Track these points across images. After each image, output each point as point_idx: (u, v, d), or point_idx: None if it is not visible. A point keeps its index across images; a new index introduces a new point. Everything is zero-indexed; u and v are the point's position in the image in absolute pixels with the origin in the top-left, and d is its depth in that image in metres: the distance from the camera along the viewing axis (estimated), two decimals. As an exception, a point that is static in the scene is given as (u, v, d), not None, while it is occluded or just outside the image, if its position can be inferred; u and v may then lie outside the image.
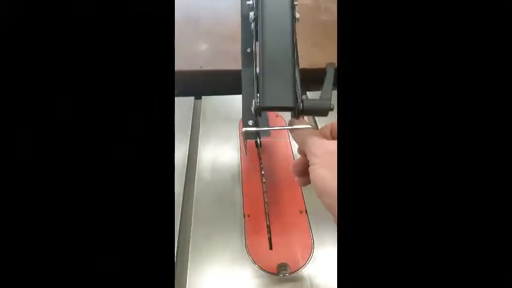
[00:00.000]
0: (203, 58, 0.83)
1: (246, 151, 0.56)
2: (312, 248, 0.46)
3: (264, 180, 0.55)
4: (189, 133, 0.63)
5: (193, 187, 0.54)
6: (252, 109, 0.35)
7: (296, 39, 0.38)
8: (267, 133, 0.64)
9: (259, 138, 0.63)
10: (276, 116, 0.67)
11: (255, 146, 0.62)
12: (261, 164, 0.58)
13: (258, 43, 0.38)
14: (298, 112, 0.33)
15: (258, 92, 0.34)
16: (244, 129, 0.40)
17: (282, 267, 0.44)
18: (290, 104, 0.32)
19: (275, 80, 0.33)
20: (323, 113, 0.33)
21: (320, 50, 0.84)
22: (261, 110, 0.33)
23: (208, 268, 0.44)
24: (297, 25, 0.38)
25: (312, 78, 0.77)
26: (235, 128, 0.65)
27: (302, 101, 0.33)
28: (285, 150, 0.61)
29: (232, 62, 0.81)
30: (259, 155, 0.60)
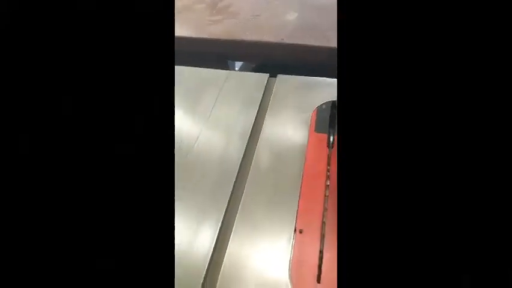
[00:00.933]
0: (287, 30, 0.73)
1: None
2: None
3: (327, 194, 0.45)
4: (253, 118, 0.56)
5: (243, 186, 0.47)
6: None
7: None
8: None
9: (333, 135, 0.52)
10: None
11: (326, 145, 0.51)
12: (328, 169, 0.48)
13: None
14: None
15: None
16: None
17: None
18: None
19: None
20: None
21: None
22: None
23: (239, 285, 0.38)
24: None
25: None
26: (308, 119, 0.55)
27: None
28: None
29: (318, 37, 0.69)
30: (328, 156, 0.49)
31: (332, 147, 0.50)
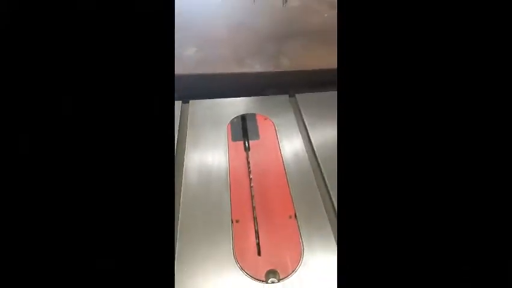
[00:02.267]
0: (191, 62, 0.82)
1: None
2: (302, 253, 0.45)
3: (252, 185, 0.53)
4: (176, 138, 0.62)
5: (180, 193, 0.52)
6: None
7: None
8: (256, 136, 0.63)
9: (248, 141, 0.62)
10: (265, 119, 0.66)
11: (244, 149, 0.60)
12: (249, 168, 0.57)
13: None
14: None
15: None
16: None
17: (270, 274, 0.42)
18: None
19: None
20: None
21: (309, 53, 0.84)
22: None
23: (195, 275, 0.42)
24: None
25: (302, 81, 0.75)
26: (224, 132, 0.64)
27: None
28: (274, 153, 0.60)
29: (221, 65, 0.80)
30: (247, 158, 0.59)
31: (249, 150, 0.60)
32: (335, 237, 0.46)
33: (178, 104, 0.70)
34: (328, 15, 1.01)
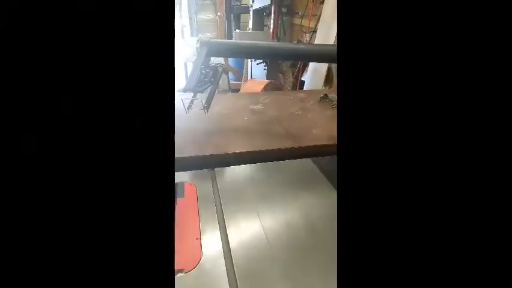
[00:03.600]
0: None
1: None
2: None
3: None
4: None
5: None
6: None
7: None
8: (181, 194, 0.91)
9: (175, 198, 0.89)
10: (190, 185, 0.95)
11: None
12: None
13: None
14: (190, 91, 1.02)
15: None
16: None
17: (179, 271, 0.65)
18: (189, 88, 1.00)
19: (190, 79, 1.02)
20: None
21: (232, 142, 1.19)
22: (183, 90, 0.98)
23: None
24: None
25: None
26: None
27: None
28: (193, 205, 0.87)
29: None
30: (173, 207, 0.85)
31: (176, 204, 0.87)
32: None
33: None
34: (247, 118, 1.42)
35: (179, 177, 1.00)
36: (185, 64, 3.65)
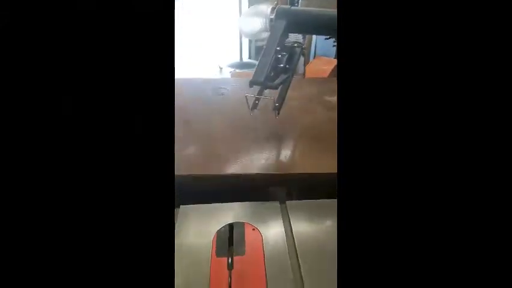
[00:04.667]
0: (188, 162, 0.85)
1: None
2: None
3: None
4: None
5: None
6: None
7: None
8: (242, 250, 0.60)
9: (232, 258, 0.59)
10: (253, 230, 0.65)
11: (227, 267, 0.57)
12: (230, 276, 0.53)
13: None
14: (264, 86, 0.68)
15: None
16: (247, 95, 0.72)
17: None
18: (261, 80, 0.65)
19: (259, 68, 0.68)
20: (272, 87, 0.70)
21: (306, 158, 0.85)
22: (250, 84, 0.67)
23: None
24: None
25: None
26: (209, 244, 0.62)
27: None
28: (258, 274, 0.56)
29: (219, 166, 0.82)
30: (229, 278, 0.55)
31: (232, 268, 0.57)
32: None
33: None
34: (322, 118, 1.06)
35: (225, 212, 0.70)
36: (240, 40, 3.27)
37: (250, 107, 0.75)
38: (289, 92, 0.78)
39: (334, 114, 0.99)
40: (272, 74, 0.72)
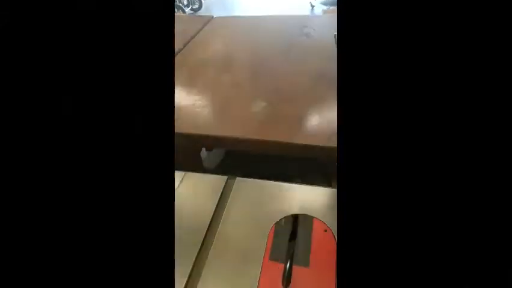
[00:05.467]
0: (254, 122, 0.68)
1: None
2: None
3: None
4: (208, 221, 0.48)
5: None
6: None
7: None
8: (305, 261, 0.43)
9: (291, 267, 0.42)
10: (325, 231, 0.46)
11: (281, 280, 0.42)
12: None
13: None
14: None
15: None
16: None
17: None
18: None
19: None
20: None
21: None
22: None
23: None
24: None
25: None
26: (264, 239, 0.46)
27: None
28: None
29: (282, 133, 0.63)
30: (283, 298, 0.40)
31: (288, 283, 0.41)
32: None
33: (222, 180, 0.56)
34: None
35: (289, 196, 0.51)
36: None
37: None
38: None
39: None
40: None
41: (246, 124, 0.68)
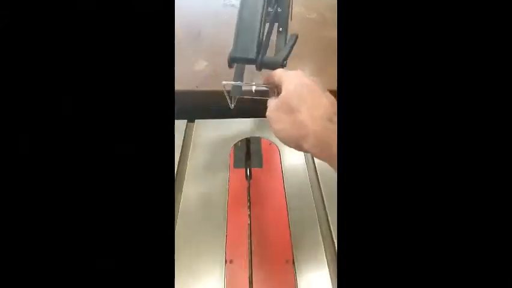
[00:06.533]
0: (200, 78, 0.80)
1: (232, 102, 0.47)
2: (297, 303, 0.42)
3: (250, 222, 0.51)
4: (177, 160, 0.60)
5: (175, 221, 0.50)
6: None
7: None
8: (259, 163, 0.60)
9: (250, 169, 0.59)
10: (270, 144, 0.63)
11: (245, 177, 0.58)
12: (249, 201, 0.54)
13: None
14: (258, 65, 0.40)
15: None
16: (224, 82, 0.43)
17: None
18: (252, 57, 0.39)
19: (245, 36, 0.40)
20: (276, 66, 0.40)
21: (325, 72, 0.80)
22: (231, 61, 0.41)
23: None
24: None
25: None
26: (227, 157, 0.61)
27: (262, 56, 0.40)
28: (277, 185, 0.57)
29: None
30: (248, 189, 0.56)
31: (250, 178, 0.57)
32: (332, 285, 0.43)
33: (182, 123, 0.68)
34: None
35: (242, 127, 0.68)
36: None
37: (231, 102, 0.47)
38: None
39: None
40: (264, 48, 0.44)
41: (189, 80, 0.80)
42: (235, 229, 0.50)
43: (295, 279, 0.44)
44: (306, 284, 0.43)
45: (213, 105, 0.75)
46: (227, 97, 0.46)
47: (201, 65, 0.83)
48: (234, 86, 0.44)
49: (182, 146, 0.63)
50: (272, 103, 0.36)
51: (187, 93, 0.77)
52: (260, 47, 0.41)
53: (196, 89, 0.76)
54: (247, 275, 0.44)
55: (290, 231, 0.49)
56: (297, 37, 0.45)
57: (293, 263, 0.46)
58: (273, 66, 0.40)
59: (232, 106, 0.48)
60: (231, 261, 0.46)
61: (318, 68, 0.80)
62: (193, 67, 0.81)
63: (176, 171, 0.58)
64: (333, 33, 0.95)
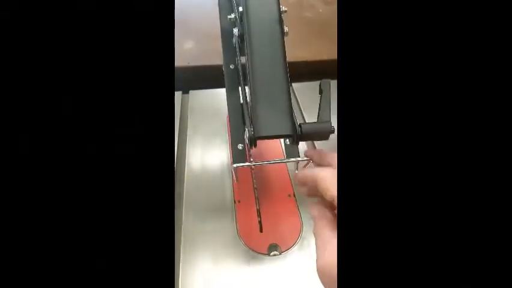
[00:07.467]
0: (190, 55, 0.85)
1: (237, 178, 0.42)
2: (301, 229, 0.48)
3: (253, 168, 0.56)
4: (177, 127, 0.64)
5: (183, 179, 0.55)
6: (246, 136, 0.32)
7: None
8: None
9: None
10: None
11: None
12: (250, 153, 0.60)
13: (242, 58, 0.36)
14: (297, 139, 0.30)
15: (250, 120, 0.30)
16: (235, 165, 0.36)
17: (272, 247, 0.45)
18: (288, 132, 0.29)
19: (269, 107, 0.30)
20: (324, 136, 0.30)
21: (305, 45, 0.87)
22: (256, 140, 0.30)
23: (202, 252, 0.45)
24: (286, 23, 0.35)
25: (295, 72, 0.79)
26: (224, 121, 0.66)
27: (300, 125, 0.30)
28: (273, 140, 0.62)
29: (218, 58, 0.82)
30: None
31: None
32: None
33: (178, 95, 0.73)
34: (322, 10, 1.04)
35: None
36: None
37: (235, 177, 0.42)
38: None
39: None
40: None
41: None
42: (240, 177, 0.55)
43: (298, 209, 0.50)
44: (307, 213, 0.50)
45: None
46: (233, 172, 0.41)
47: (190, 44, 0.88)
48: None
49: (180, 115, 0.68)
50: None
51: (179, 69, 0.82)
52: (292, 113, 0.30)
53: (188, 64, 0.81)
54: (255, 209, 0.50)
55: (288, 173, 0.55)
56: (329, 85, 0.33)
57: (294, 195, 0.52)
58: (321, 136, 0.30)
59: (237, 181, 0.46)
60: (239, 201, 0.51)
61: (300, 40, 0.87)
62: (183, 47, 0.86)
63: (178, 137, 0.63)
64: (310, 13, 1.02)
